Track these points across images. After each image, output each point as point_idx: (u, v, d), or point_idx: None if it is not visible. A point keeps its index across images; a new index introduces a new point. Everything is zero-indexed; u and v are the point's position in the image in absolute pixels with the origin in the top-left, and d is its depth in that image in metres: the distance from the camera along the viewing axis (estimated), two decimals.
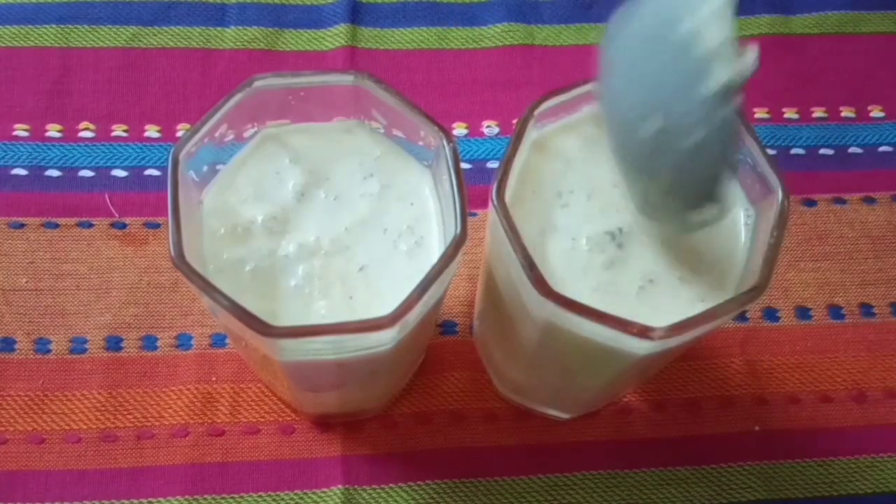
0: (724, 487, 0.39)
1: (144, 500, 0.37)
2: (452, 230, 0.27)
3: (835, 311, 0.43)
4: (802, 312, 0.43)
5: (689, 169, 0.24)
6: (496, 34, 0.48)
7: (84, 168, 0.43)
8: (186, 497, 0.37)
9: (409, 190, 0.31)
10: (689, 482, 0.39)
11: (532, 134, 0.30)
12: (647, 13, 0.23)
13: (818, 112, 0.48)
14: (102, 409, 0.38)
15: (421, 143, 0.30)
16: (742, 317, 0.42)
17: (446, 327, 0.41)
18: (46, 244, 0.41)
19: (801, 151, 0.47)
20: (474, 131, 0.46)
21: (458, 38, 0.48)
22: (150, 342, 0.40)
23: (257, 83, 0.29)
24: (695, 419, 0.40)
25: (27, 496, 0.37)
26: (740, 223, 0.30)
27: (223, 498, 0.37)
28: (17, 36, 0.46)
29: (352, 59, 0.47)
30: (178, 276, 0.41)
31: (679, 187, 0.25)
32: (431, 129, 0.29)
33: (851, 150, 0.47)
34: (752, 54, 0.22)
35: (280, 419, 0.39)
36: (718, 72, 0.22)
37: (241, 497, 0.37)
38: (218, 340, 0.40)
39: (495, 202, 0.28)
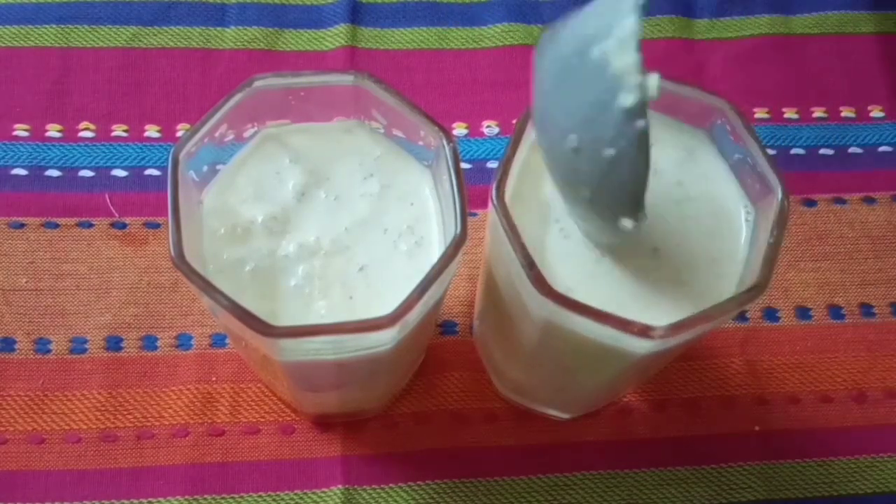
0: (724, 487, 0.39)
1: (144, 500, 0.37)
2: (452, 230, 0.27)
3: (835, 311, 0.43)
4: (802, 312, 0.43)
5: (605, 184, 0.25)
6: (496, 34, 0.48)
7: (84, 168, 0.43)
8: (186, 497, 0.37)
9: (409, 190, 0.31)
10: (689, 482, 0.39)
11: (532, 134, 0.30)
12: (569, 32, 0.25)
13: (818, 112, 0.48)
14: (102, 409, 0.38)
15: (421, 143, 0.30)
16: (742, 317, 0.42)
17: (446, 327, 0.41)
18: (46, 244, 0.41)
19: (801, 151, 0.47)
20: (474, 131, 0.46)
21: (458, 38, 0.48)
22: (150, 342, 0.40)
23: (257, 83, 0.29)
24: (695, 419, 0.40)
25: (27, 496, 0.37)
26: (740, 223, 0.30)
27: (223, 498, 0.37)
28: (17, 36, 0.46)
29: (352, 59, 0.47)
30: (178, 276, 0.41)
31: (597, 201, 0.26)
32: (431, 129, 0.29)
33: (851, 150, 0.47)
34: (653, 80, 0.23)
35: (280, 419, 0.39)
36: (623, 95, 0.23)
37: (241, 497, 0.37)
38: (218, 340, 0.40)
39: (495, 202, 0.28)
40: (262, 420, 0.39)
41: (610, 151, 0.24)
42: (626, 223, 0.26)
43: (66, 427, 0.38)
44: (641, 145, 0.24)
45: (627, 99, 0.23)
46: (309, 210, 0.30)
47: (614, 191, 0.25)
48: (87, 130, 0.44)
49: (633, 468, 0.39)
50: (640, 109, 0.23)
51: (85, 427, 0.38)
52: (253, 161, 0.31)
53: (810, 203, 0.45)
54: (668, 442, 0.40)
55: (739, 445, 0.40)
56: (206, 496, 0.37)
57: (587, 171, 0.25)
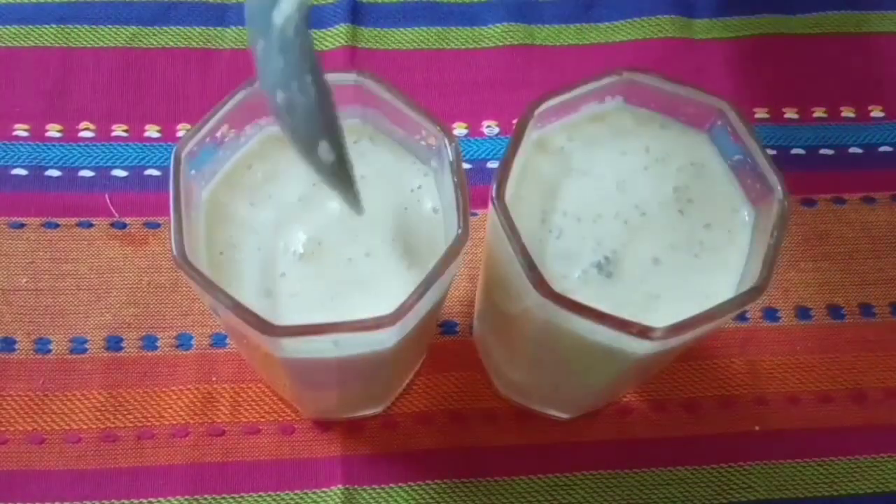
0: (725, 487, 0.39)
1: (144, 500, 0.37)
2: (454, 230, 0.27)
3: (835, 311, 0.43)
4: (802, 312, 0.43)
5: (292, 121, 0.25)
6: (496, 34, 0.48)
7: (84, 168, 0.43)
8: (186, 497, 0.37)
9: (409, 192, 0.31)
10: (689, 482, 0.39)
11: (532, 134, 0.30)
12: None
13: (818, 112, 0.48)
14: (102, 409, 0.38)
15: (423, 142, 0.30)
16: (742, 317, 0.42)
17: (446, 327, 0.41)
18: (46, 244, 0.41)
19: (801, 151, 0.47)
20: (474, 131, 0.46)
21: (458, 38, 0.48)
22: (150, 342, 0.40)
23: (258, 83, 0.29)
24: (695, 419, 0.40)
25: (27, 496, 0.37)
26: (740, 223, 0.30)
27: (223, 498, 0.37)
28: (17, 36, 0.46)
29: (352, 59, 0.47)
30: (177, 276, 0.41)
31: (295, 135, 0.26)
32: (433, 128, 0.29)
33: (851, 150, 0.47)
34: None
35: (280, 419, 0.39)
36: (276, 13, 0.24)
37: (241, 497, 0.37)
38: (218, 340, 0.40)
39: (495, 202, 0.28)
40: (262, 420, 0.39)
41: (291, 87, 0.24)
42: (324, 150, 0.25)
43: (66, 427, 0.38)
44: (310, 55, 0.24)
45: (278, 16, 0.23)
46: (310, 210, 0.30)
47: (302, 122, 0.25)
48: (87, 130, 0.44)
49: (633, 468, 0.39)
50: (294, 24, 0.23)
51: (85, 427, 0.38)
52: (254, 161, 0.31)
53: (810, 203, 0.45)
54: (668, 442, 0.40)
55: (739, 445, 0.40)
56: (206, 496, 0.37)
57: (279, 111, 0.25)
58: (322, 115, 0.25)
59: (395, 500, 0.38)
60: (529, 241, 0.27)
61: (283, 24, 0.23)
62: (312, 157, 0.25)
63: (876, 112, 0.48)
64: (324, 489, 0.38)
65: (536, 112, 0.29)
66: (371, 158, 0.31)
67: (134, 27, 0.47)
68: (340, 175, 0.26)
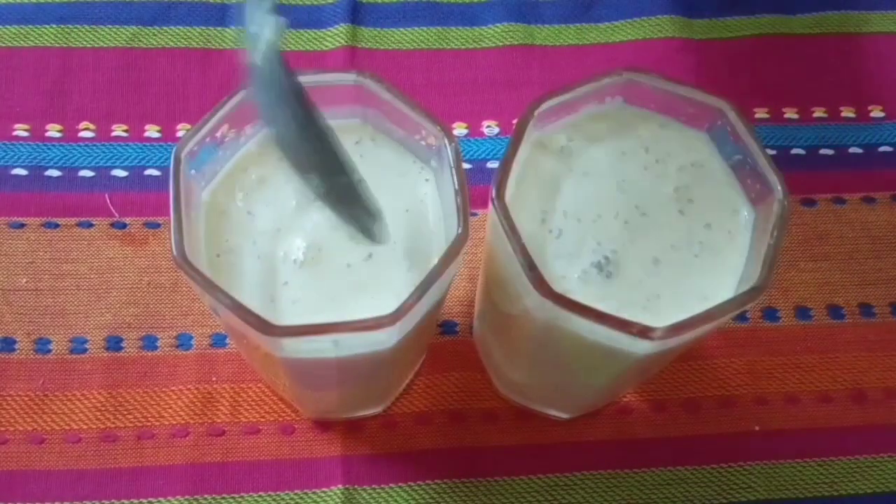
0: (725, 487, 0.39)
1: (144, 500, 0.37)
2: (454, 230, 0.27)
3: (835, 311, 0.43)
4: (802, 312, 0.43)
5: (283, 151, 0.26)
6: (496, 34, 0.48)
7: (84, 168, 0.43)
8: (186, 497, 0.37)
9: (406, 192, 0.31)
10: (689, 482, 0.39)
11: (532, 134, 0.30)
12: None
13: (818, 112, 0.48)
14: (102, 409, 0.38)
15: (423, 142, 0.30)
16: (742, 317, 0.42)
17: (446, 327, 0.41)
18: (46, 244, 0.41)
19: (801, 151, 0.47)
20: (474, 131, 0.46)
21: (458, 38, 0.48)
22: (150, 342, 0.40)
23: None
24: (695, 419, 0.40)
25: (27, 496, 0.37)
26: (741, 224, 0.30)
27: (223, 498, 0.37)
28: (17, 36, 0.46)
29: (352, 59, 0.47)
30: (177, 276, 0.41)
31: (290, 163, 0.27)
32: (433, 128, 0.29)
33: (851, 150, 0.47)
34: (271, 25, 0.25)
35: (280, 419, 0.39)
36: (252, 54, 0.25)
37: (241, 497, 0.37)
38: (218, 340, 0.40)
39: (495, 202, 0.28)
40: (262, 420, 0.39)
41: (275, 122, 0.25)
42: (315, 181, 0.26)
43: (66, 427, 0.38)
44: (280, 91, 0.25)
45: (255, 59, 0.25)
46: (309, 210, 0.30)
47: (295, 153, 0.26)
48: (87, 130, 0.44)
49: (633, 468, 0.39)
50: (267, 61, 0.25)
51: (85, 427, 0.38)
52: (254, 161, 0.31)
53: (810, 203, 0.45)
54: (668, 442, 0.40)
55: (739, 445, 0.40)
56: (206, 496, 0.37)
57: (284, 151, 0.26)
58: (306, 149, 0.26)
59: (395, 500, 0.38)
60: (529, 241, 0.27)
61: (259, 66, 0.25)
62: (308, 184, 0.26)
63: (876, 112, 0.48)
64: (324, 489, 0.38)
65: (536, 112, 0.29)
66: (371, 159, 0.31)
67: (134, 27, 0.47)
68: (340, 205, 0.27)
